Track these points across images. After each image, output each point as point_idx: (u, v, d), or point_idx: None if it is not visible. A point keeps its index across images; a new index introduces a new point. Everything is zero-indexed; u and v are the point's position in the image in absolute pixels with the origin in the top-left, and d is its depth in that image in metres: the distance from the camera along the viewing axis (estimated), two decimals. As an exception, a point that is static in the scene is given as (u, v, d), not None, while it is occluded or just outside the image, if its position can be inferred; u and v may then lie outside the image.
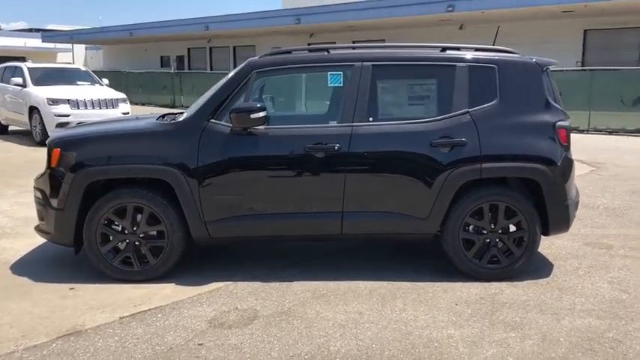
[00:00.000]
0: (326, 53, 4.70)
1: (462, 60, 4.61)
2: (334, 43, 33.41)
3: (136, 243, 4.57)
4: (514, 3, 24.46)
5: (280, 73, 4.66)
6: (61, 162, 4.55)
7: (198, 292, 4.41)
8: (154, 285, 4.53)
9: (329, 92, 4.87)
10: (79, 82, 13.58)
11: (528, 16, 25.95)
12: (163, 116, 5.24)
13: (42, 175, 4.74)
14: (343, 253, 5.36)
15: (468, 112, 4.51)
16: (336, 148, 4.43)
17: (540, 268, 4.90)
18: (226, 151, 4.47)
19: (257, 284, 4.55)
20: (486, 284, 4.55)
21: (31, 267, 4.95)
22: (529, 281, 4.62)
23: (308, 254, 5.30)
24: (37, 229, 4.89)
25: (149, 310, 4.08)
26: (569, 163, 4.61)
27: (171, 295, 4.34)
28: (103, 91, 13.16)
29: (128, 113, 12.84)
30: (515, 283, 4.58)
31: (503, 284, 4.55)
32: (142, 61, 38.82)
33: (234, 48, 36.12)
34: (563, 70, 19.05)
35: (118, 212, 4.52)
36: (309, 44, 34.38)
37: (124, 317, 3.97)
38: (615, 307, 4.16)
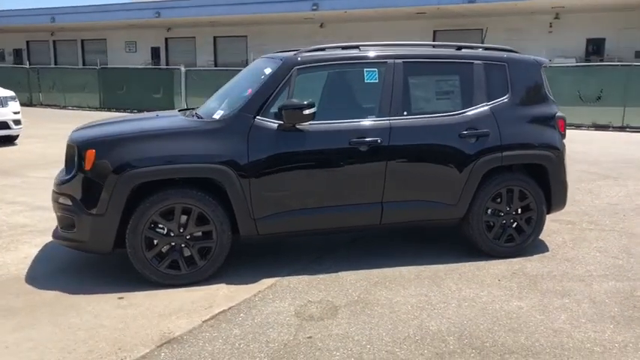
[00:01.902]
0: (358, 50, 4.89)
1: (479, 58, 5.05)
2: (194, 38, 32.83)
3: (182, 245, 4.43)
4: (375, 3, 25.79)
5: (320, 69, 4.76)
6: (99, 164, 4.27)
7: (257, 289, 4.40)
8: (205, 287, 4.43)
9: (359, 88, 5.02)
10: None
11: (386, 17, 27.53)
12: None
13: (68, 179, 4.39)
14: (358, 244, 5.57)
15: (488, 105, 4.97)
16: (379, 141, 4.65)
17: (537, 244, 5.50)
18: (275, 147, 4.49)
19: (306, 277, 4.64)
20: (507, 261, 5.05)
21: (51, 279, 4.56)
22: (537, 255, 5.21)
23: (329, 246, 5.42)
24: (61, 238, 4.53)
25: (225, 311, 4.02)
26: (565, 149, 5.26)
27: (234, 295, 4.29)
28: (-14, 88, 11.88)
29: (19, 113, 11.74)
30: (528, 257, 5.14)
31: (520, 259, 5.09)
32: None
33: (83, 41, 34.00)
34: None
35: (164, 214, 4.36)
36: (166, 39, 33.43)
37: (207, 320, 3.88)
38: (620, 271, 4.87)
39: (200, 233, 4.47)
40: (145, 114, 5.89)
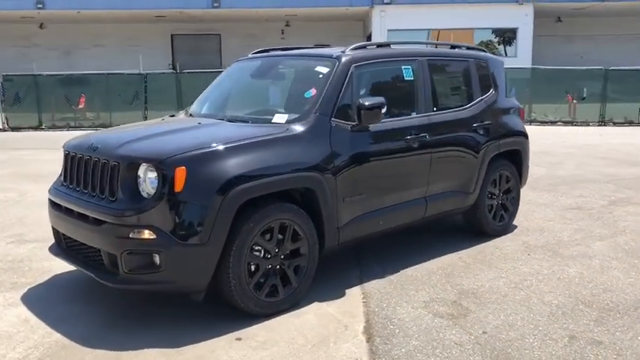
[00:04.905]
0: (392, 48, 4.88)
1: (471, 57, 5.47)
2: None
3: (277, 267, 3.92)
4: (112, 4, 24.39)
5: (370, 67, 4.58)
6: (194, 184, 3.51)
7: (356, 300, 4.16)
8: (301, 311, 3.97)
9: (400, 85, 4.94)
10: None
11: (124, 19, 26.24)
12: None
13: (146, 206, 3.49)
14: (366, 244, 5.46)
15: (483, 99, 5.43)
16: (427, 137, 4.75)
17: (500, 221, 6.16)
18: (353, 149, 4.26)
19: (381, 281, 4.50)
20: (503, 238, 5.58)
21: (110, 339, 3.56)
22: (516, 230, 5.86)
23: (344, 250, 5.20)
24: (134, 283, 3.57)
25: (368, 328, 3.71)
26: (527, 135, 6.02)
27: (347, 310, 3.98)
28: None
29: None
30: (514, 233, 5.77)
31: (510, 236, 5.68)
32: None
33: None
34: (164, 73, 20.75)
35: (263, 234, 3.80)
36: None
37: (369, 340, 3.55)
38: (588, 234, 5.77)
39: (288, 251, 4.00)
40: (178, 121, 4.81)
